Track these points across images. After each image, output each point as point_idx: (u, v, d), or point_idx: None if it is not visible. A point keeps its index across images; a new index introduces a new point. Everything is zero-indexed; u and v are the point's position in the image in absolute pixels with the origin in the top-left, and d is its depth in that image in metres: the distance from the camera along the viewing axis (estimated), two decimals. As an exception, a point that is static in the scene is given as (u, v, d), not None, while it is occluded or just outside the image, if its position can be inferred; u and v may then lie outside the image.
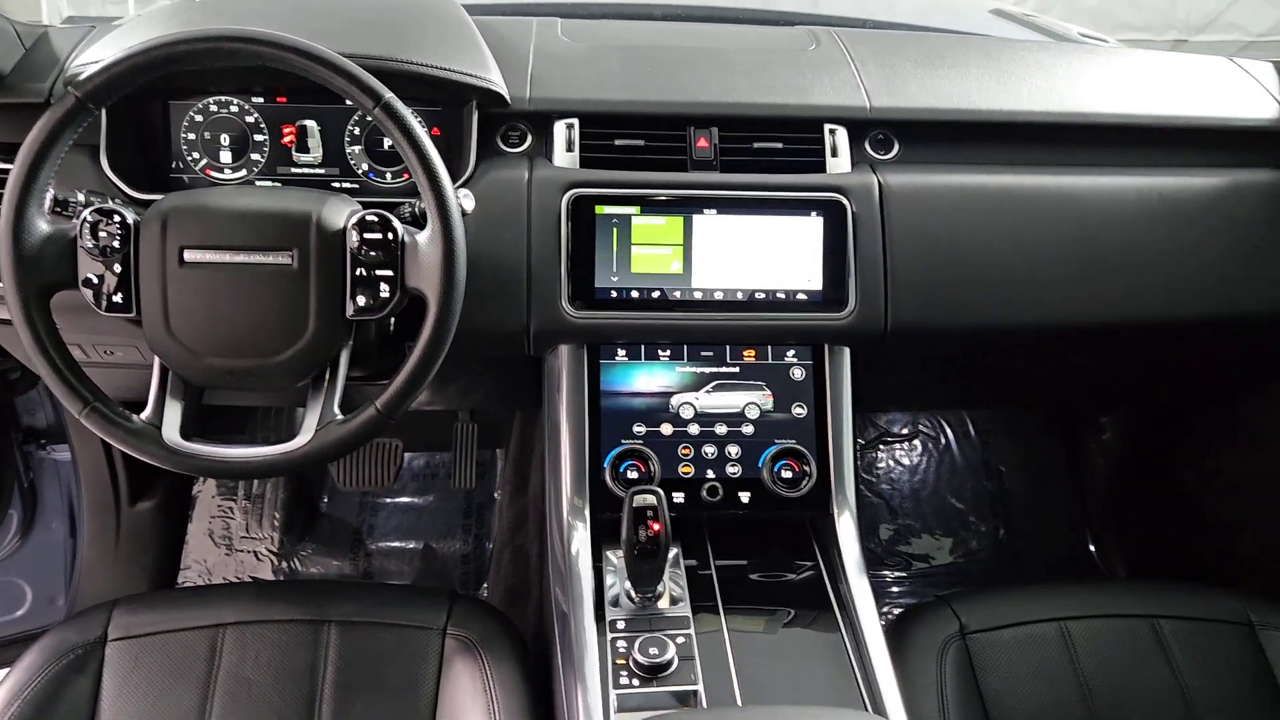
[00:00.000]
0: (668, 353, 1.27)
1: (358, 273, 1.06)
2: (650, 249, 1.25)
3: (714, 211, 1.25)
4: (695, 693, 1.04)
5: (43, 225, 1.02)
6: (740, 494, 1.25)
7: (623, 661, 1.07)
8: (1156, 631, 1.31)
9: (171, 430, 1.06)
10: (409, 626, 1.24)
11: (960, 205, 1.30)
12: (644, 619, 1.12)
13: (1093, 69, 1.47)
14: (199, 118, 1.28)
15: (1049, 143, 1.38)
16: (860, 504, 2.11)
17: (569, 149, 1.27)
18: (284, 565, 2.04)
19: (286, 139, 1.28)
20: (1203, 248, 1.35)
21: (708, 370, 1.28)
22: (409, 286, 1.06)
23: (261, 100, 1.28)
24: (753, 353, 1.28)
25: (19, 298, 1.01)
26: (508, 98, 1.27)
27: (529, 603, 1.76)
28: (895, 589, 2.09)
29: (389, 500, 2.15)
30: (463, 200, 1.09)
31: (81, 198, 1.07)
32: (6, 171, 1.01)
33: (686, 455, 1.25)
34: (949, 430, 2.25)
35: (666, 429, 1.26)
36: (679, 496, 1.24)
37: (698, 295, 1.25)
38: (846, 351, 1.29)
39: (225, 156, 1.28)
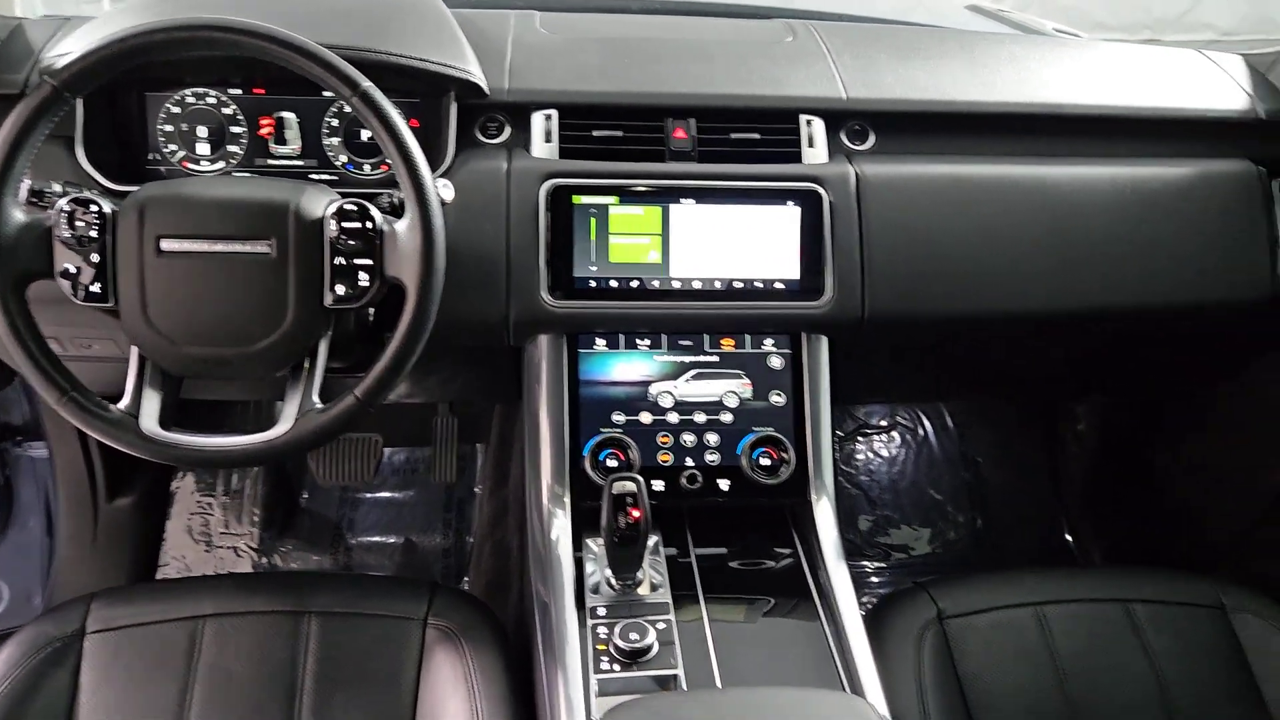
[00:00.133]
0: (646, 342, 1.28)
1: (336, 262, 1.06)
2: (628, 239, 1.26)
3: (692, 201, 1.26)
4: (675, 677, 1.05)
5: (18, 215, 1.02)
6: (719, 481, 1.25)
7: (603, 647, 1.07)
8: (1131, 615, 1.33)
9: (149, 420, 1.05)
10: (390, 617, 1.24)
11: (935, 195, 1.32)
12: (624, 605, 1.13)
13: (1066, 61, 1.48)
14: (176, 109, 1.27)
15: (1023, 133, 1.39)
16: (839, 495, 2.14)
17: (547, 140, 1.28)
18: (264, 561, 2.03)
19: (264, 131, 1.28)
20: (1174, 237, 1.37)
21: (686, 359, 1.28)
22: (388, 275, 1.07)
23: (239, 92, 1.28)
24: (731, 342, 1.29)
25: None
26: (486, 89, 1.28)
27: (509, 594, 1.76)
28: (875, 579, 2.10)
29: (369, 495, 2.14)
30: (441, 190, 1.10)
31: (58, 188, 1.06)
32: None
33: (666, 443, 1.26)
34: (927, 422, 2.27)
35: (646, 418, 1.26)
36: (658, 484, 1.24)
37: (676, 284, 1.26)
38: (824, 340, 1.30)
39: (202, 149, 1.28)
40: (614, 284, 1.25)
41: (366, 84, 1.03)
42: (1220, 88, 1.46)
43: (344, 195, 1.09)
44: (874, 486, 2.21)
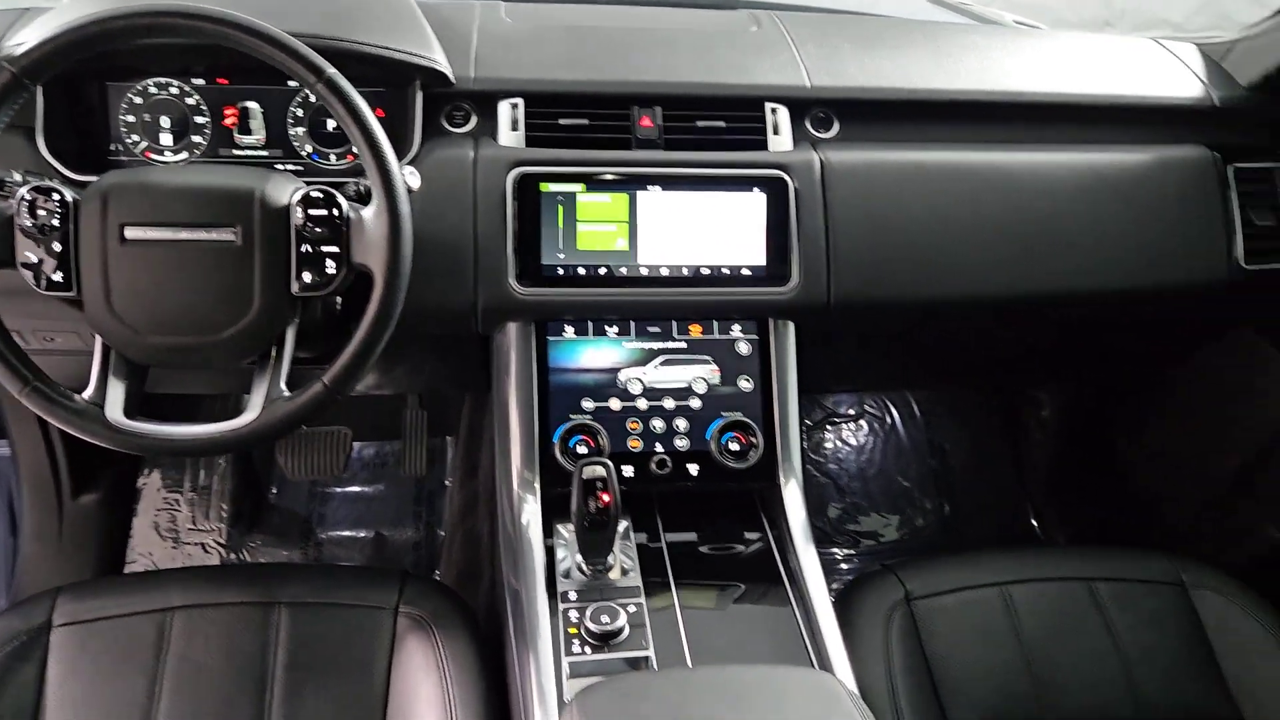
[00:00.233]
0: (615, 329, 1.29)
1: (303, 249, 1.06)
2: (596, 226, 1.26)
3: (658, 188, 1.27)
4: (646, 659, 1.06)
5: None
6: (689, 466, 1.26)
7: (574, 630, 1.08)
8: (1093, 593, 1.35)
9: (115, 410, 1.04)
10: (361, 606, 1.24)
11: (899, 181, 1.33)
12: (595, 589, 1.13)
13: (1026, 51, 1.51)
14: (138, 99, 1.26)
15: (984, 121, 1.41)
16: (808, 483, 2.16)
17: (514, 128, 1.28)
18: (232, 557, 2.01)
19: (228, 121, 1.27)
20: (1133, 221, 1.39)
21: (655, 346, 1.29)
22: (355, 262, 1.06)
23: (202, 82, 1.27)
24: (699, 328, 1.30)
25: None
26: (452, 78, 1.28)
27: (480, 584, 1.76)
28: (844, 566, 2.12)
29: (339, 490, 2.13)
30: (408, 177, 1.10)
31: (18, 177, 1.05)
32: None
33: (635, 429, 1.26)
34: (894, 410, 2.29)
35: (615, 404, 1.27)
36: (628, 470, 1.25)
37: (644, 271, 1.27)
38: (791, 325, 1.31)
39: (165, 139, 1.27)
40: (582, 271, 1.26)
41: (331, 70, 1.03)
42: (1176, 76, 1.49)
43: (310, 184, 1.09)
44: (843, 475, 2.23)
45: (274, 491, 2.13)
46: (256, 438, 1.06)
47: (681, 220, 1.27)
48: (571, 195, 1.26)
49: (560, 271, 1.26)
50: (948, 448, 2.26)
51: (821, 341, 1.37)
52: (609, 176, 1.26)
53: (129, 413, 1.05)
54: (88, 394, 1.04)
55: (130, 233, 1.03)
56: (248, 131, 1.27)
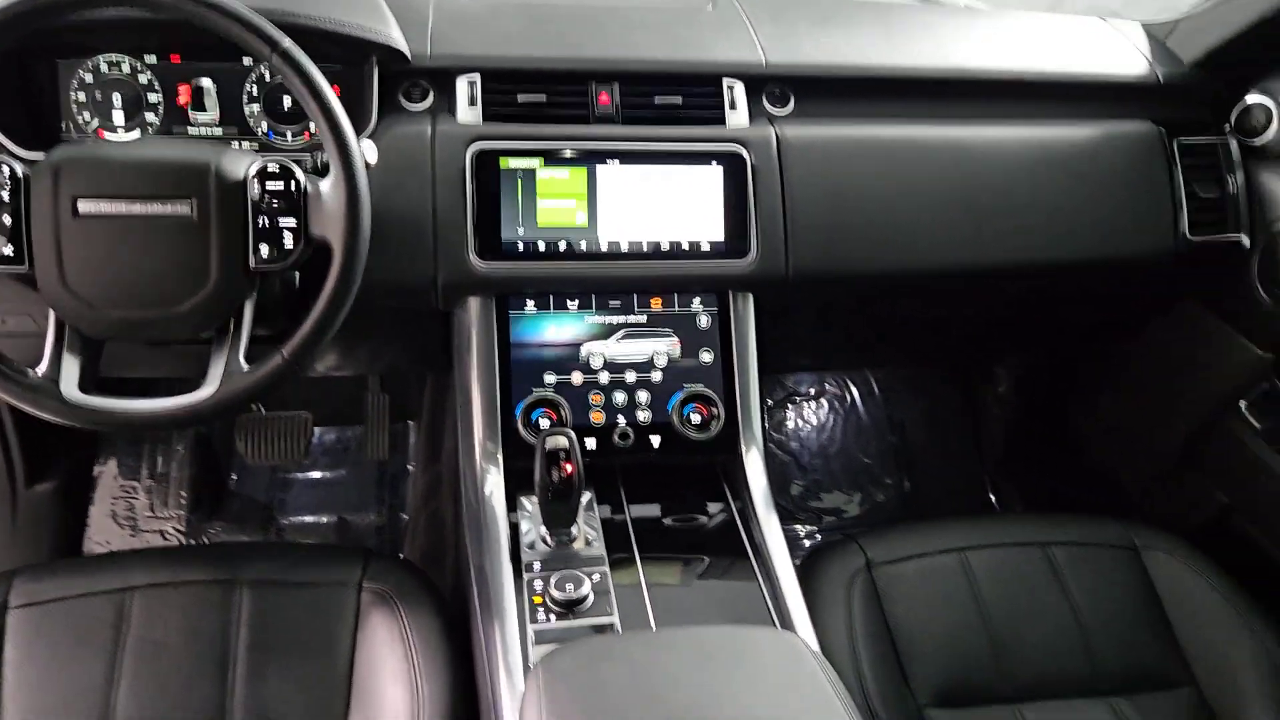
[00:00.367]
0: (576, 303, 1.29)
1: (260, 223, 1.05)
2: (555, 201, 1.27)
3: (616, 162, 1.27)
4: (612, 624, 1.07)
5: None
6: (651, 438, 1.27)
7: (539, 599, 1.09)
8: (1049, 558, 1.38)
9: (70, 385, 1.03)
10: (323, 584, 1.23)
11: (854, 156, 1.35)
12: (560, 559, 1.14)
13: (977, 29, 1.53)
14: (89, 77, 1.25)
15: (937, 97, 1.43)
16: (770, 462, 2.17)
17: (471, 104, 1.28)
18: (192, 544, 1.99)
19: (182, 99, 1.26)
20: (1082, 194, 1.42)
21: (616, 320, 1.30)
22: (313, 235, 1.06)
23: (155, 59, 1.25)
24: (660, 302, 1.31)
25: None
26: (408, 54, 1.27)
27: (445, 563, 1.76)
28: (807, 542, 2.14)
29: (300, 475, 2.11)
30: (365, 151, 1.09)
31: None
32: None
33: (597, 402, 1.27)
34: (854, 388, 2.32)
35: (577, 378, 1.27)
36: (591, 443, 1.26)
37: (604, 245, 1.27)
38: (750, 298, 1.32)
39: (118, 117, 1.25)
40: (542, 246, 1.26)
41: (287, 42, 1.02)
42: (1122, 53, 1.52)
43: (267, 158, 1.08)
44: (804, 453, 2.25)
45: (234, 478, 2.11)
46: (215, 411, 1.05)
47: (640, 195, 1.28)
48: (531, 171, 1.26)
49: (520, 246, 1.26)
50: (907, 424, 2.29)
51: (780, 314, 1.38)
52: (568, 153, 1.27)
53: (84, 388, 1.04)
54: (41, 369, 1.03)
55: (83, 206, 1.02)
56: (202, 109, 1.26)
